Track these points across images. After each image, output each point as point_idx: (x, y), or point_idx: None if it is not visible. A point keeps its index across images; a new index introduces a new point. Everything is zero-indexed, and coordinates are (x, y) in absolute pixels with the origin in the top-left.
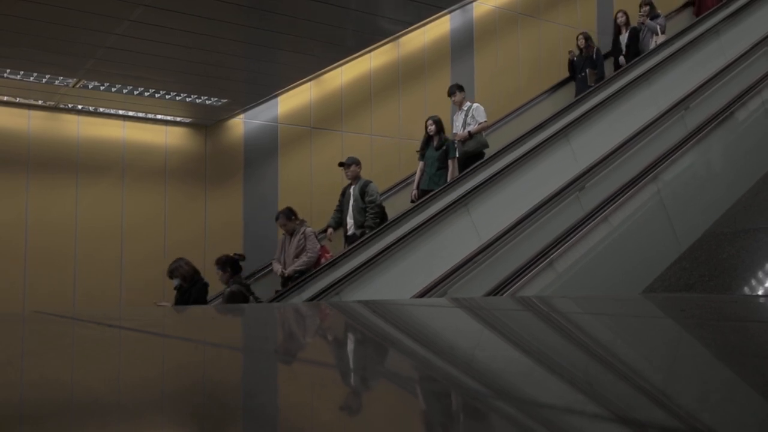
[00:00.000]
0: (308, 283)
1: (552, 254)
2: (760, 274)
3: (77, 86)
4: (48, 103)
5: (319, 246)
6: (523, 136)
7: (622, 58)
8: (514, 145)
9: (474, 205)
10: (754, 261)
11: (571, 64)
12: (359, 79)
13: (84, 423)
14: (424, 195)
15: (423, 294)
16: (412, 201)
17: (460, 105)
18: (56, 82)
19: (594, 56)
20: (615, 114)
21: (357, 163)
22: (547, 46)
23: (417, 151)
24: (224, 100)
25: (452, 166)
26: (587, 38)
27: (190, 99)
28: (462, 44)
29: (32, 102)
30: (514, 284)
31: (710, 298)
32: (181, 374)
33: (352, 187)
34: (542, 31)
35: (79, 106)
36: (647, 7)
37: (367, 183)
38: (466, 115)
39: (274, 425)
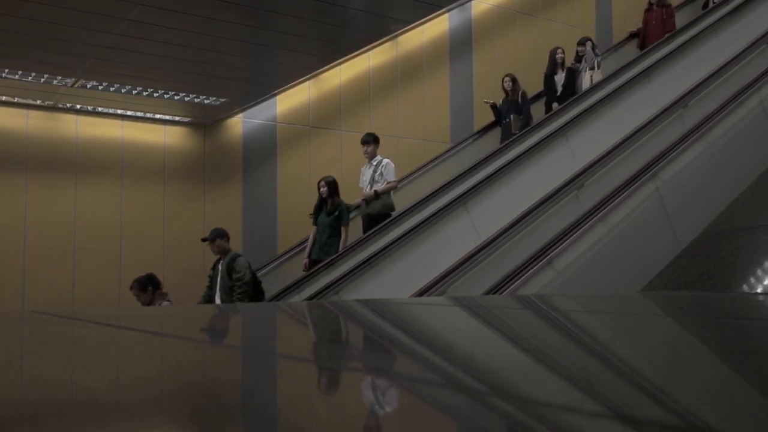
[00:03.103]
0: (308, 282)
1: (551, 253)
2: (759, 272)
3: (76, 86)
4: (47, 102)
5: None
6: (522, 134)
7: (555, 104)
8: (514, 144)
9: (473, 203)
10: (752, 259)
11: (495, 109)
12: (358, 78)
13: (83, 422)
14: (315, 265)
15: (422, 293)
16: (305, 270)
17: (371, 158)
18: (55, 82)
19: (519, 100)
20: (614, 113)
21: (222, 235)
22: (546, 45)
23: (310, 215)
24: (223, 100)
25: (344, 234)
26: (513, 80)
27: (188, 98)
28: (461, 43)
29: (31, 102)
30: (514, 283)
31: (709, 296)
32: (180, 373)
33: (221, 262)
34: (541, 30)
35: (78, 106)
36: (583, 47)
37: (235, 258)
38: (375, 171)
39: (274, 424)
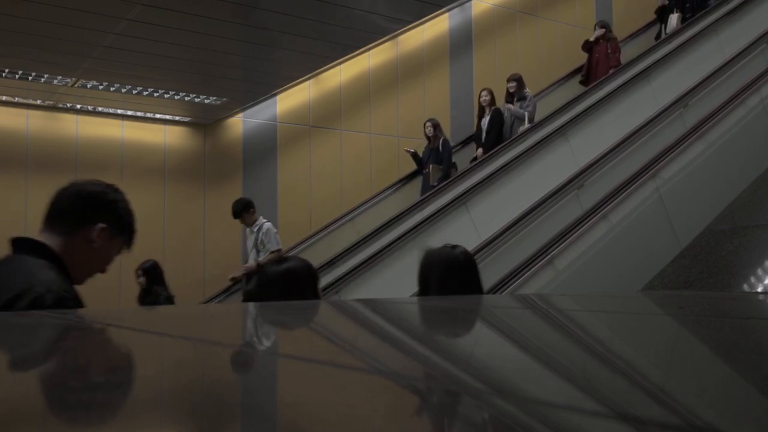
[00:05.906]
0: None
1: (551, 252)
2: (759, 271)
3: (76, 86)
4: (46, 102)
5: None
6: (522, 134)
7: (479, 150)
8: (513, 143)
9: (473, 203)
10: (753, 258)
11: (417, 158)
12: (358, 78)
13: (82, 421)
14: None
15: None
16: None
17: (250, 225)
18: (55, 82)
19: (440, 148)
20: (614, 112)
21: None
22: (546, 45)
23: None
24: (223, 99)
25: None
26: (435, 126)
27: (188, 98)
28: (461, 42)
29: (31, 101)
30: (514, 282)
31: (709, 295)
32: (179, 372)
33: None
34: (540, 29)
35: (78, 106)
36: (515, 83)
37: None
38: (256, 239)
39: (273, 422)
